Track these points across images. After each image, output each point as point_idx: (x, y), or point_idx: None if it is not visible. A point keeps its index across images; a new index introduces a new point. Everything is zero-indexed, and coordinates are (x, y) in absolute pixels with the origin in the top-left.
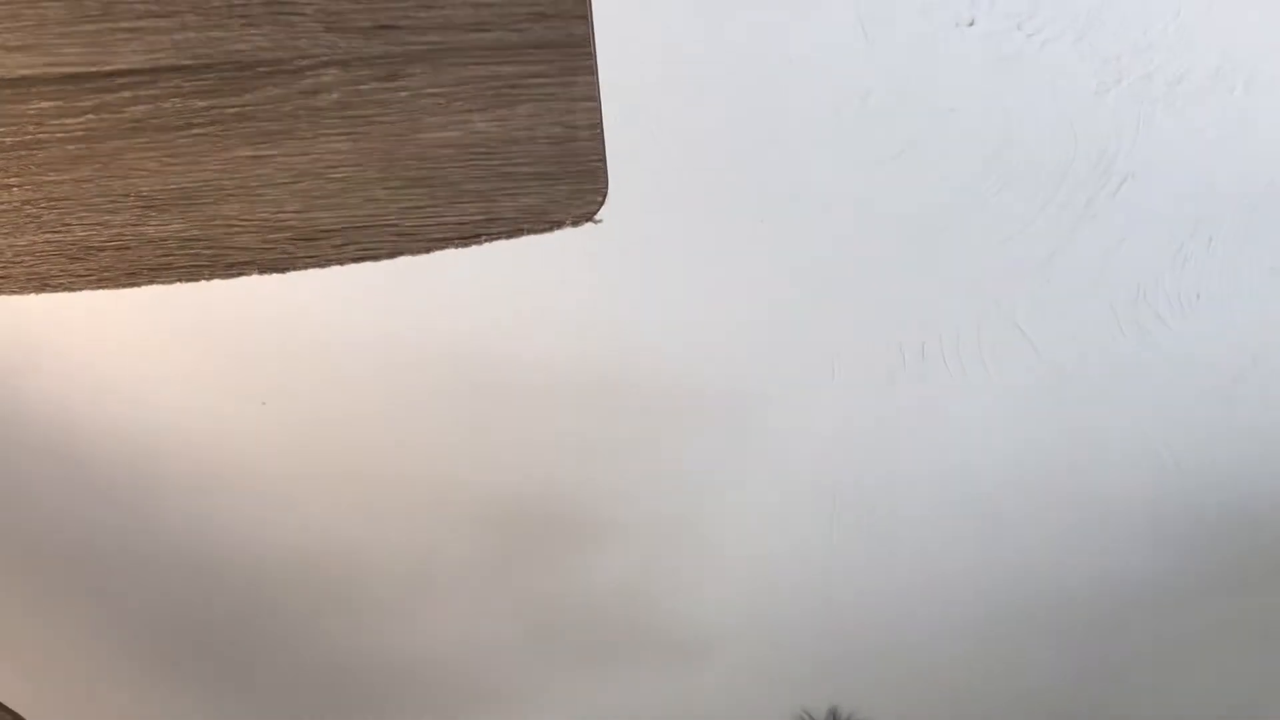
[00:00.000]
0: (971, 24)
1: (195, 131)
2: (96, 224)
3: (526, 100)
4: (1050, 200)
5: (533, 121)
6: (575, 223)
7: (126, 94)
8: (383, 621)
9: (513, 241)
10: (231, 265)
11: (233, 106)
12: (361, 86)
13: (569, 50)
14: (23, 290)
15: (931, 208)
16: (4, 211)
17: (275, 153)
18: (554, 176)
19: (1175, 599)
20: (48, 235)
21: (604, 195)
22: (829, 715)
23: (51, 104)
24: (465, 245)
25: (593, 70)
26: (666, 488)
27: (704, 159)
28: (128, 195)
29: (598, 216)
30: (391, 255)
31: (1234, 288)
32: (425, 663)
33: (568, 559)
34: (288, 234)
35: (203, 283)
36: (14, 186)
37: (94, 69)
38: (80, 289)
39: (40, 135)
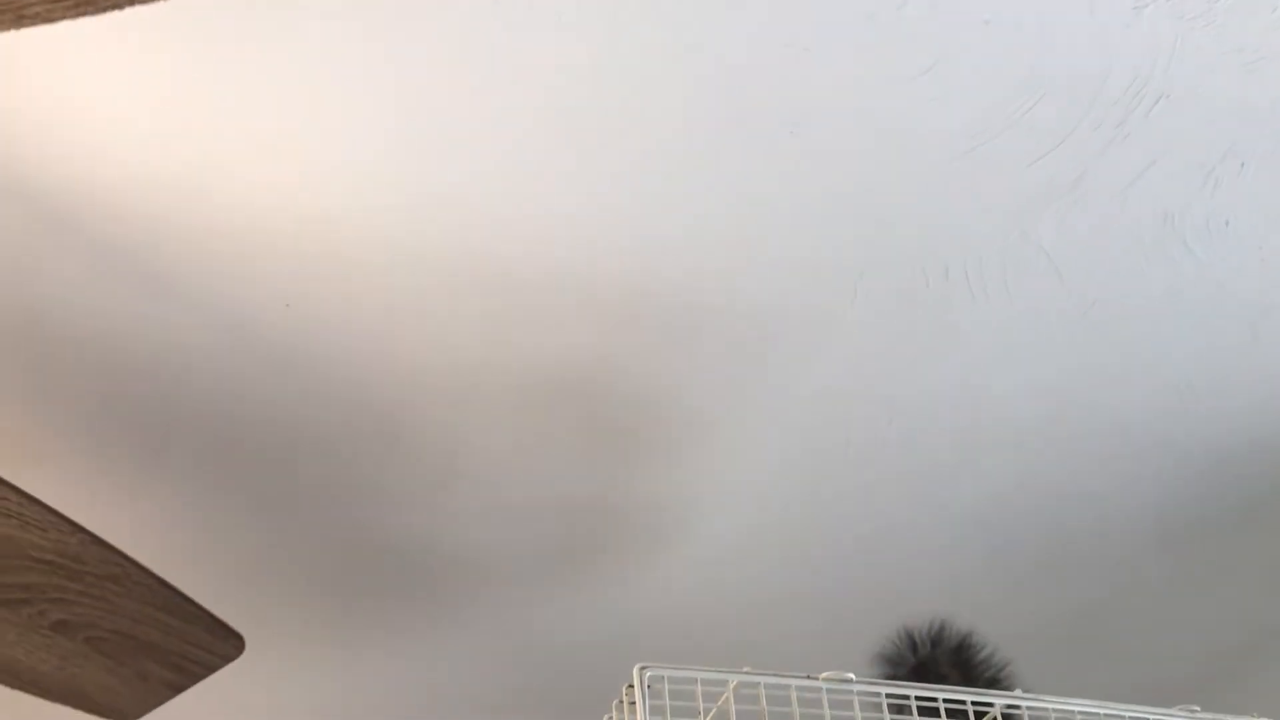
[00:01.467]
0: None
1: None
2: None
3: None
4: (1081, 120)
5: None
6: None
7: None
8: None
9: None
10: None
11: None
12: None
13: None
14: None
15: (960, 125)
16: None
17: None
18: None
19: (1192, 532)
20: None
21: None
22: (932, 629)
23: None
24: None
25: None
26: (685, 401)
27: (733, 75)
28: None
29: None
30: None
31: (1264, 216)
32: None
33: (591, 462)
34: None
35: None
36: None
37: None
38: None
39: None
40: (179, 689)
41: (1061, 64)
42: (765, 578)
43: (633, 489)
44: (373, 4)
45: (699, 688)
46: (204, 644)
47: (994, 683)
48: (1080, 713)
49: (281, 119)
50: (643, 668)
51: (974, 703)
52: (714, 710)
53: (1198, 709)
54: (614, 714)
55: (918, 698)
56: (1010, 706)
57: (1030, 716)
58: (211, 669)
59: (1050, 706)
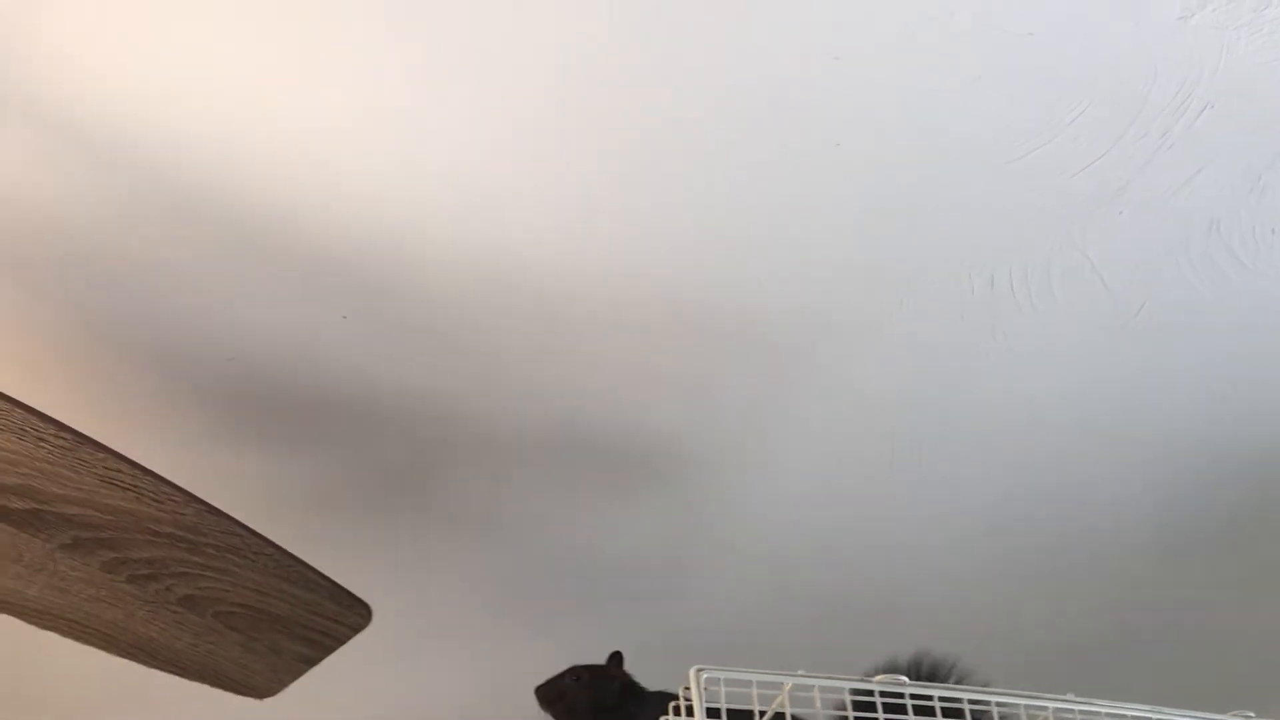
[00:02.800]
0: None
1: None
2: None
3: None
4: (1127, 130)
5: None
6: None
7: None
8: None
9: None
10: None
11: None
12: None
13: None
14: None
15: (1006, 135)
16: None
17: None
18: None
19: (1235, 537)
20: None
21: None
22: (914, 663)
23: None
24: None
25: None
26: (729, 411)
27: (779, 86)
28: None
29: None
30: None
31: None
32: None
33: (627, 484)
34: None
35: None
36: None
37: None
38: None
39: None
40: (312, 662)
41: (1106, 73)
42: (808, 582)
43: (678, 498)
44: None
45: (754, 690)
46: (332, 614)
47: None
48: (1133, 717)
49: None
50: (699, 670)
51: (1027, 707)
52: (769, 713)
53: (1252, 715)
54: (670, 716)
55: (971, 701)
56: (1064, 710)
57: None
58: (342, 640)
59: (1103, 711)
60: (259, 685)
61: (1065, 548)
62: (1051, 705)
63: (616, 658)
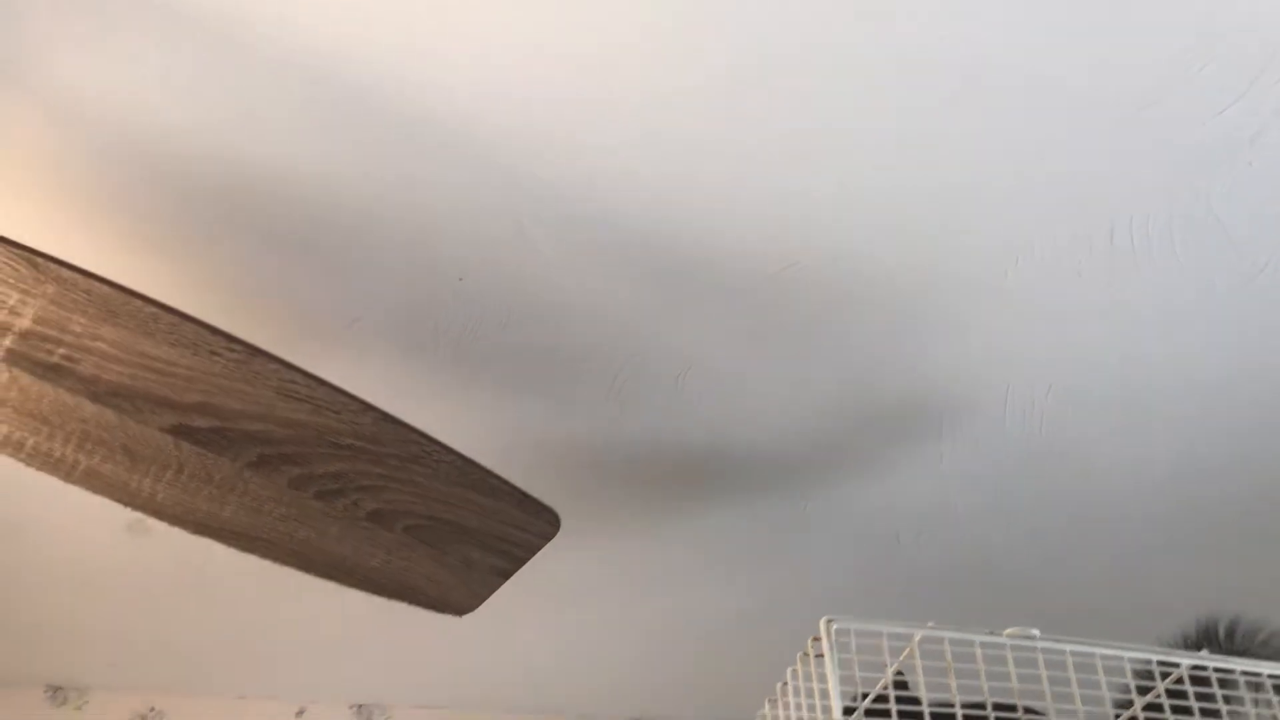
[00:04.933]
0: None
1: None
2: None
3: None
4: (1258, 77)
5: None
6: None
7: None
8: None
9: None
10: None
11: None
12: None
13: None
14: None
15: (1131, 85)
16: None
17: None
18: None
19: None
20: None
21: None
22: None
23: None
24: None
25: None
26: (837, 372)
27: (904, 38)
28: None
29: None
30: None
31: None
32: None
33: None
34: None
35: None
36: None
37: None
38: None
39: None
40: (506, 574)
41: (1236, 20)
42: (929, 550)
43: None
44: None
45: (885, 641)
46: (520, 523)
47: None
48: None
49: None
50: (829, 620)
51: (1159, 661)
52: (898, 664)
53: None
54: (799, 666)
55: (1103, 656)
56: (1221, 669)
57: (1246, 681)
58: (532, 550)
59: (1238, 667)
60: (456, 601)
61: (1185, 512)
62: (1213, 664)
63: None
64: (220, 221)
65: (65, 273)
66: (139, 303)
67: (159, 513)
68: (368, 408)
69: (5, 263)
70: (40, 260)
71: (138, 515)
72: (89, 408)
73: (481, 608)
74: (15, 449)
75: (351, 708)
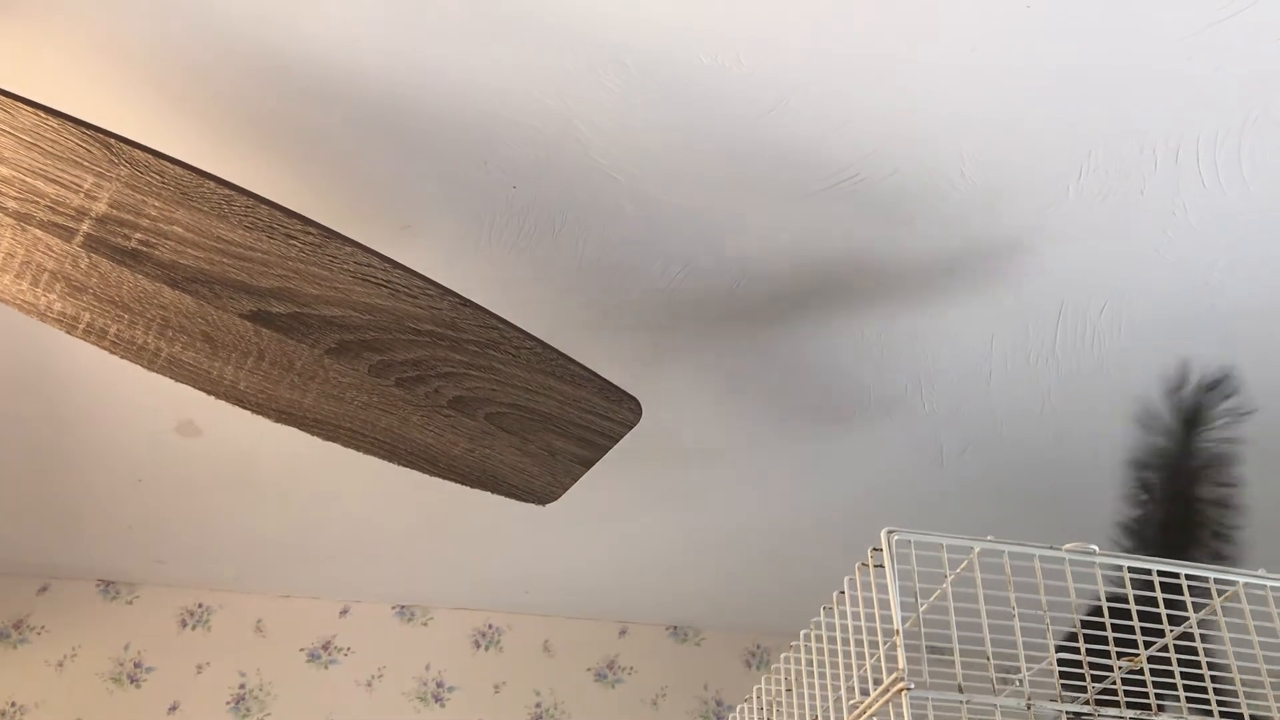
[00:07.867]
0: None
1: None
2: None
3: None
4: None
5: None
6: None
7: None
8: None
9: None
10: None
11: None
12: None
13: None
14: None
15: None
16: None
17: None
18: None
19: None
20: None
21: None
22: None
23: None
24: None
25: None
26: (903, 275)
27: None
28: None
29: None
30: None
31: None
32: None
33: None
34: None
35: None
36: None
37: None
38: None
39: None
40: (588, 463)
41: None
42: (973, 466)
43: (858, 362)
44: None
45: (944, 554)
46: (601, 410)
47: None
48: None
49: None
50: (890, 531)
51: (1216, 579)
52: (956, 576)
53: None
54: (857, 576)
55: (1160, 572)
56: (1254, 585)
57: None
58: (614, 438)
59: None
60: (539, 490)
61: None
62: (1243, 579)
63: None
64: (265, 120)
65: (139, 154)
66: (212, 184)
67: (242, 401)
68: (446, 292)
69: (79, 144)
70: (114, 142)
71: (187, 417)
72: (168, 293)
73: (528, 515)
74: (99, 337)
75: (394, 608)
